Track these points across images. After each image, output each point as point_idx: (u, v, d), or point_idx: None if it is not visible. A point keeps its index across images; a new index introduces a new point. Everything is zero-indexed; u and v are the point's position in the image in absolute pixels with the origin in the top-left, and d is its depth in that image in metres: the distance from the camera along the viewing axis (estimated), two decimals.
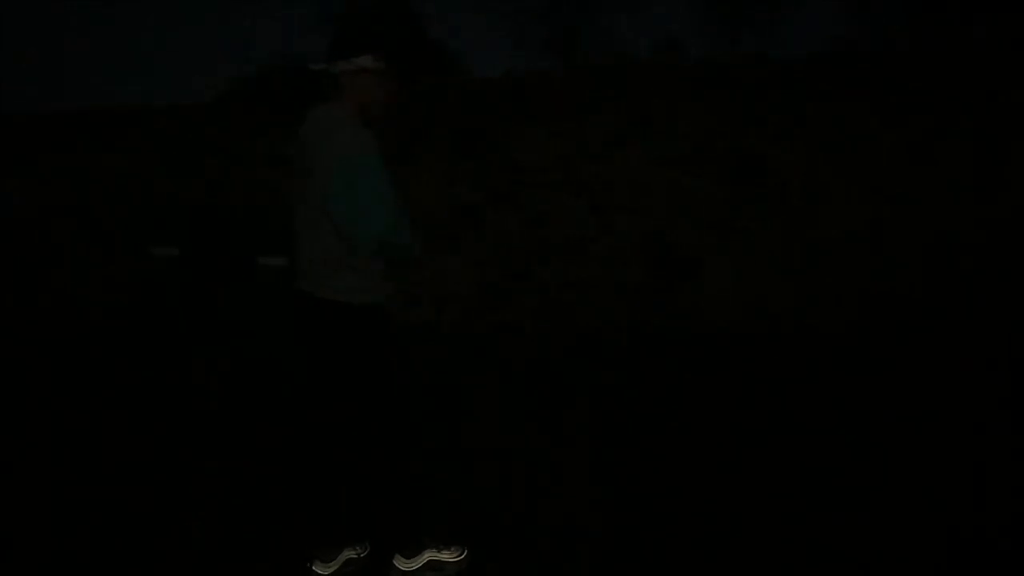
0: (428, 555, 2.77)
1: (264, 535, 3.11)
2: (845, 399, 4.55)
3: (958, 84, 7.49)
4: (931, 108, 7.46)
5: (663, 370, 5.29)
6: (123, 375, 5.41)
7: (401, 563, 2.77)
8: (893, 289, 6.34)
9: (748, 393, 4.75)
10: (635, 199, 7.53)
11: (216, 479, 3.67)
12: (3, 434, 4.34)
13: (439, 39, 25.59)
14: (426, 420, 2.78)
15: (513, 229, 7.63)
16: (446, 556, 2.78)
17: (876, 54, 11.23)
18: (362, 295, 2.55)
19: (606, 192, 7.70)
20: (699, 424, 4.26)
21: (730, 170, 7.61)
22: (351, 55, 2.56)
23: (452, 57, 24.26)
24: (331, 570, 2.78)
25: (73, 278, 7.87)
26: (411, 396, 2.72)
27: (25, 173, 9.97)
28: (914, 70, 7.84)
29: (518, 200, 7.89)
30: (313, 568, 2.77)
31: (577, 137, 8.47)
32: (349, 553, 2.83)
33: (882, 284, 6.42)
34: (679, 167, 7.79)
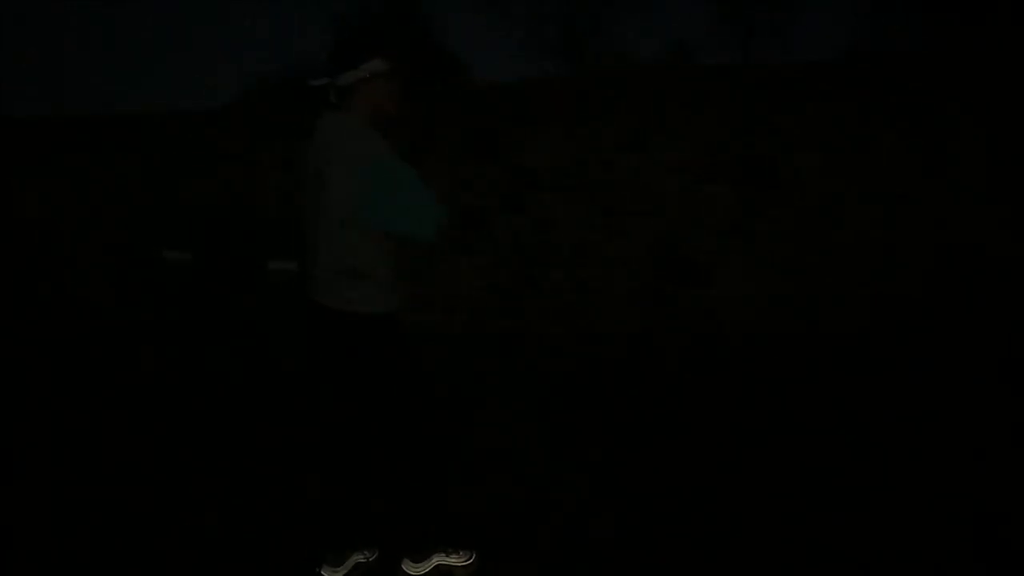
0: (437, 559, 2.78)
1: (265, 536, 3.11)
2: (847, 400, 4.55)
3: (973, 87, 7.43)
4: (945, 112, 7.40)
5: (670, 373, 5.29)
6: (124, 375, 5.41)
7: (410, 567, 2.78)
8: (905, 293, 6.32)
9: (753, 395, 4.75)
10: (645, 203, 7.52)
11: (216, 479, 3.67)
12: (3, 434, 4.33)
13: (441, 41, 25.58)
14: (434, 423, 2.78)
15: (522, 233, 7.62)
16: (455, 560, 2.79)
17: (888, 57, 11.18)
18: (373, 304, 2.53)
19: (616, 196, 7.67)
20: (703, 425, 4.27)
21: (740, 174, 7.58)
22: (360, 63, 2.50)
23: (455, 59, 24.25)
24: (339, 574, 2.78)
25: (81, 280, 7.87)
26: (421, 401, 2.71)
27: (32, 175, 9.98)
28: (927, 74, 7.78)
29: (527, 204, 7.88)
30: (321, 572, 2.77)
31: (586, 141, 8.45)
32: (357, 557, 2.83)
33: (894, 288, 6.40)
34: (689, 171, 7.76)
